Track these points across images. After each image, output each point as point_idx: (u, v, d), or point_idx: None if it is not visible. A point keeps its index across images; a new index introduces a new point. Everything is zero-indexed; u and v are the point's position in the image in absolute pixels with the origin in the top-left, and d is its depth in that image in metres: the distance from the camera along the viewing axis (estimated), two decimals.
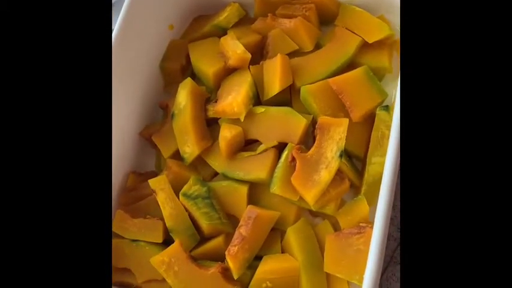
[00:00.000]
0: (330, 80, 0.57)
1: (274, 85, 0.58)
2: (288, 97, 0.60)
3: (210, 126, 0.62)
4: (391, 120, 0.54)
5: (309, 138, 0.58)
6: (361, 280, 0.47)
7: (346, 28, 0.61)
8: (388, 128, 0.54)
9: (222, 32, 0.66)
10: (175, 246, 0.54)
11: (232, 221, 0.57)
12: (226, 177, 0.58)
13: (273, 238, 0.55)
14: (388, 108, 0.55)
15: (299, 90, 0.58)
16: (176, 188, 0.57)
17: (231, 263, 0.52)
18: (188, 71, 0.67)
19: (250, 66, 0.61)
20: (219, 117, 0.60)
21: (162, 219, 0.57)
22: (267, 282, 0.52)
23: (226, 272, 0.53)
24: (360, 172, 0.57)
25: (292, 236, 0.54)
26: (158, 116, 0.67)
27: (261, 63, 0.61)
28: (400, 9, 0.43)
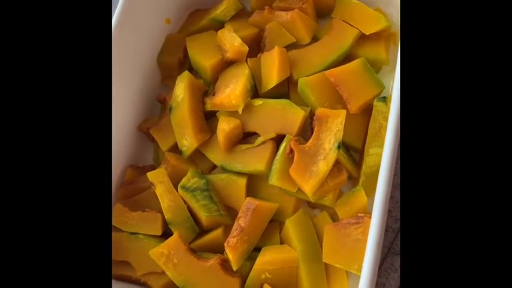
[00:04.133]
0: (327, 72, 0.57)
1: (272, 77, 0.58)
2: (286, 89, 0.61)
3: (208, 119, 0.62)
4: (389, 111, 0.54)
5: (306, 130, 0.58)
6: (359, 270, 0.47)
7: (343, 20, 0.61)
8: (386, 119, 0.54)
9: (219, 25, 0.66)
10: (174, 239, 0.54)
11: (231, 213, 0.57)
12: (224, 169, 0.58)
13: (271, 229, 0.55)
14: (385, 100, 0.55)
15: (297, 82, 0.58)
16: (174, 181, 0.57)
17: (230, 254, 0.52)
18: (186, 64, 0.67)
19: (248, 59, 0.61)
20: (217, 110, 0.60)
21: (160, 212, 0.57)
22: (266, 273, 0.52)
23: (225, 264, 0.53)
24: (358, 163, 0.57)
25: (291, 227, 0.54)
26: (156, 109, 0.67)
27: (258, 56, 0.61)
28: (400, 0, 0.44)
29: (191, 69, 0.66)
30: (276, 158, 0.55)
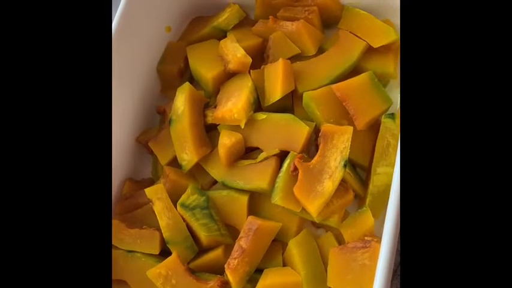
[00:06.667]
0: (333, 86, 0.55)
1: (276, 91, 0.56)
2: (290, 103, 0.59)
3: (209, 132, 0.59)
4: (397, 128, 0.52)
5: (311, 147, 0.56)
6: None
7: (350, 32, 0.59)
8: (394, 136, 0.52)
9: (221, 34, 0.64)
10: (172, 258, 0.52)
11: (232, 232, 0.55)
12: (225, 186, 0.56)
13: (274, 250, 0.53)
14: (393, 116, 0.53)
15: (301, 96, 0.56)
16: (173, 196, 0.55)
17: (230, 276, 0.50)
18: (186, 74, 0.65)
19: (251, 70, 0.58)
20: (218, 123, 0.58)
21: (158, 229, 0.55)
22: None
23: (225, 286, 0.51)
24: (365, 182, 0.55)
25: (295, 249, 0.52)
26: (155, 121, 0.65)
27: (262, 67, 0.59)
28: (400, 14, 0.42)
29: (192, 79, 0.64)
30: (280, 175, 0.53)
